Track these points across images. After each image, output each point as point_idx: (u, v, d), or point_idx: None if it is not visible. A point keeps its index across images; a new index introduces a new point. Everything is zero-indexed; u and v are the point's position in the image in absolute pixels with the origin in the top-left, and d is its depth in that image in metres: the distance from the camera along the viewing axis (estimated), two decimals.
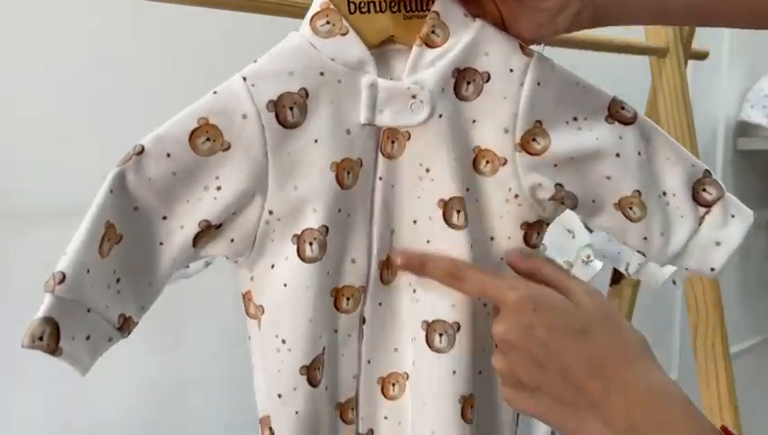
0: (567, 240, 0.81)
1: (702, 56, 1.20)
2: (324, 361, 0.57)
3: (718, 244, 0.58)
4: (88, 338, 0.51)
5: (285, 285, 0.55)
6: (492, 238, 0.58)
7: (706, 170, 0.59)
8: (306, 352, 0.55)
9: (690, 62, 1.20)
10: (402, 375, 0.59)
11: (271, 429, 0.57)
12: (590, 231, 0.92)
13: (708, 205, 0.58)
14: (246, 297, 0.58)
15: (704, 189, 0.58)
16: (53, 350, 0.49)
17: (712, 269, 0.58)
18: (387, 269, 0.58)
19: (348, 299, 0.57)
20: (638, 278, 0.94)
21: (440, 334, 0.56)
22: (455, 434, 0.56)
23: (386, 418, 0.60)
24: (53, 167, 0.99)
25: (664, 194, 0.58)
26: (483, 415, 0.59)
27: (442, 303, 0.56)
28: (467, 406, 0.56)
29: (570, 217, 0.83)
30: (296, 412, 0.56)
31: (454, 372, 0.56)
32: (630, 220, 0.58)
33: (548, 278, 0.53)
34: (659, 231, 0.58)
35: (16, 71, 0.95)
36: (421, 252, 0.56)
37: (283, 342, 0.55)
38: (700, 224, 0.58)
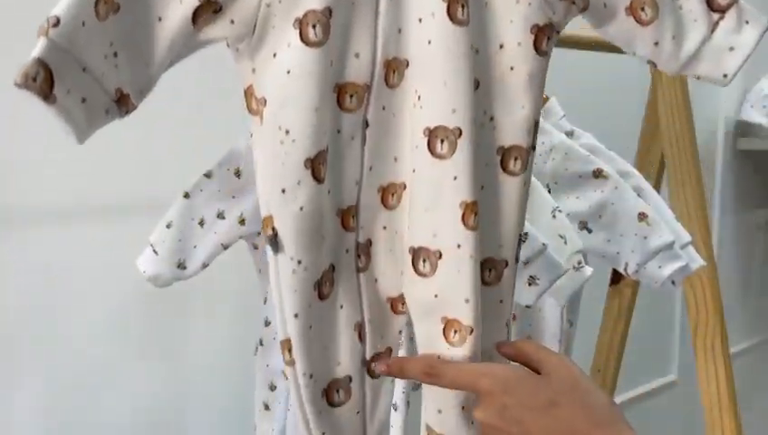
0: (559, 246, 0.81)
1: None
2: (328, 161, 0.56)
3: (732, 49, 0.56)
4: (84, 101, 0.50)
5: (288, 73, 0.54)
6: (501, 46, 0.57)
7: None
8: (311, 143, 0.54)
9: None
10: (400, 185, 0.59)
11: (274, 229, 0.56)
12: (590, 231, 0.92)
13: (722, 10, 0.56)
14: (248, 93, 0.57)
15: None
16: (46, 95, 0.47)
17: (724, 76, 0.58)
18: (393, 72, 0.57)
19: (351, 97, 0.56)
20: (637, 278, 0.94)
21: (441, 140, 0.55)
22: (454, 237, 0.56)
23: (384, 228, 0.60)
24: (53, 167, 0.99)
25: None
26: (486, 227, 0.58)
27: (443, 108, 0.55)
28: (468, 212, 0.56)
29: (561, 224, 0.83)
30: (300, 208, 0.55)
31: (455, 178, 0.55)
32: (642, 24, 0.57)
33: (526, 356, 0.57)
34: (671, 35, 0.57)
35: (16, 70, 0.95)
36: (399, 358, 0.61)
37: (287, 133, 0.54)
38: (713, 30, 0.57)
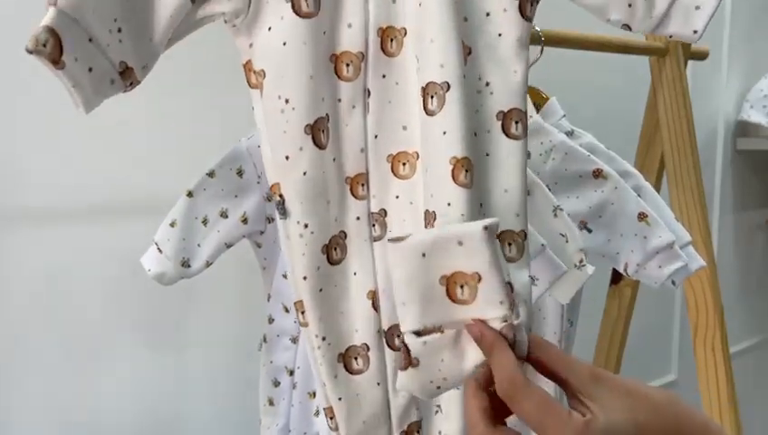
0: (560, 244, 0.81)
1: (702, 56, 1.20)
2: (329, 129, 0.58)
3: (698, 8, 0.59)
4: (90, 70, 0.52)
5: (284, 44, 0.56)
6: (488, 14, 0.58)
7: None
8: (309, 110, 0.57)
9: (690, 62, 1.20)
10: (412, 154, 0.60)
11: (281, 195, 0.59)
12: (590, 231, 0.93)
13: None
14: (247, 68, 0.59)
15: None
16: (56, 61, 0.50)
17: (695, 32, 0.60)
18: (390, 40, 0.59)
19: (347, 66, 0.59)
20: (637, 278, 0.94)
21: (432, 96, 0.56)
22: (446, 196, 0.56)
23: (397, 197, 0.61)
24: (53, 167, 0.99)
25: None
26: (498, 197, 0.58)
27: (433, 64, 0.56)
28: (459, 168, 0.55)
29: (563, 222, 0.84)
30: (303, 173, 0.58)
31: (444, 133, 0.56)
32: None
33: (572, 389, 0.48)
34: None
35: (17, 70, 0.95)
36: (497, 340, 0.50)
37: (287, 101, 0.57)
38: None
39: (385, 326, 0.62)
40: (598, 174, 0.92)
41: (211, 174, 0.85)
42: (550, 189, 0.93)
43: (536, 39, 0.92)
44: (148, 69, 0.57)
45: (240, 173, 0.85)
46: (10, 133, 0.95)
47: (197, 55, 1.09)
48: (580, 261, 0.82)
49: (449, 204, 0.55)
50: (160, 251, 0.83)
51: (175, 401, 1.12)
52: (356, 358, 0.62)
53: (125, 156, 1.04)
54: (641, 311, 1.37)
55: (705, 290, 1.15)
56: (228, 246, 0.86)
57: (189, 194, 0.85)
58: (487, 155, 0.58)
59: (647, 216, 0.91)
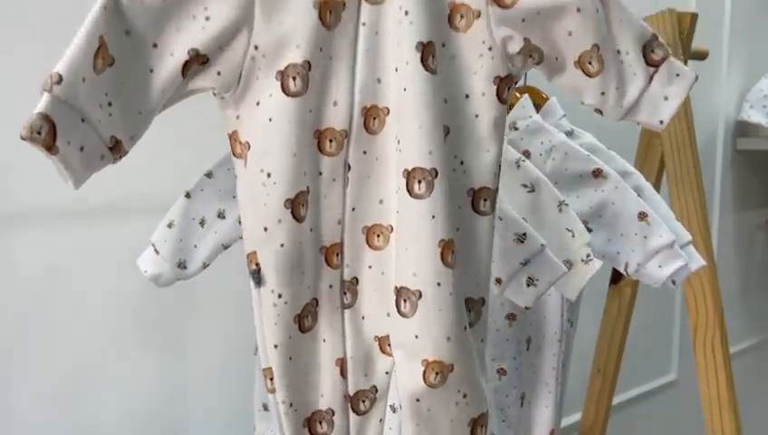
0: (567, 239, 0.81)
1: (702, 56, 1.20)
2: (308, 201, 0.60)
3: (666, 99, 0.63)
4: (81, 149, 0.53)
5: (270, 120, 0.58)
6: (467, 96, 0.61)
7: (653, 34, 0.63)
8: (290, 185, 0.59)
9: (690, 62, 1.20)
10: (387, 227, 0.62)
11: (257, 264, 0.60)
12: (590, 231, 0.92)
13: (656, 64, 0.63)
14: (233, 137, 0.61)
15: (652, 51, 0.62)
16: (50, 147, 0.51)
17: (660, 122, 0.63)
18: (372, 118, 0.61)
19: (331, 141, 0.60)
20: (637, 278, 0.94)
21: (419, 181, 0.58)
22: (434, 276, 0.58)
23: (370, 267, 0.63)
24: (53, 167, 0.99)
25: (618, 52, 0.62)
26: (463, 267, 0.61)
27: (420, 150, 0.58)
28: (447, 250, 0.59)
29: (568, 217, 0.84)
30: (281, 245, 0.59)
31: (433, 217, 0.58)
32: (589, 76, 0.62)
33: None
34: (615, 85, 0.62)
35: (16, 70, 0.95)
36: None
37: (269, 175, 0.58)
38: (650, 82, 0.63)
39: (351, 392, 0.64)
40: (598, 174, 0.92)
41: (209, 175, 0.85)
42: None
43: None
44: (136, 139, 0.58)
45: None
46: (9, 133, 0.95)
47: None
48: (588, 255, 0.83)
49: (439, 284, 0.58)
50: (157, 252, 0.83)
51: (174, 402, 1.11)
52: (320, 422, 0.64)
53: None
54: (641, 311, 1.37)
55: (705, 290, 1.15)
56: (225, 247, 0.86)
57: (187, 195, 0.84)
58: (458, 230, 0.61)
59: (647, 215, 0.90)
